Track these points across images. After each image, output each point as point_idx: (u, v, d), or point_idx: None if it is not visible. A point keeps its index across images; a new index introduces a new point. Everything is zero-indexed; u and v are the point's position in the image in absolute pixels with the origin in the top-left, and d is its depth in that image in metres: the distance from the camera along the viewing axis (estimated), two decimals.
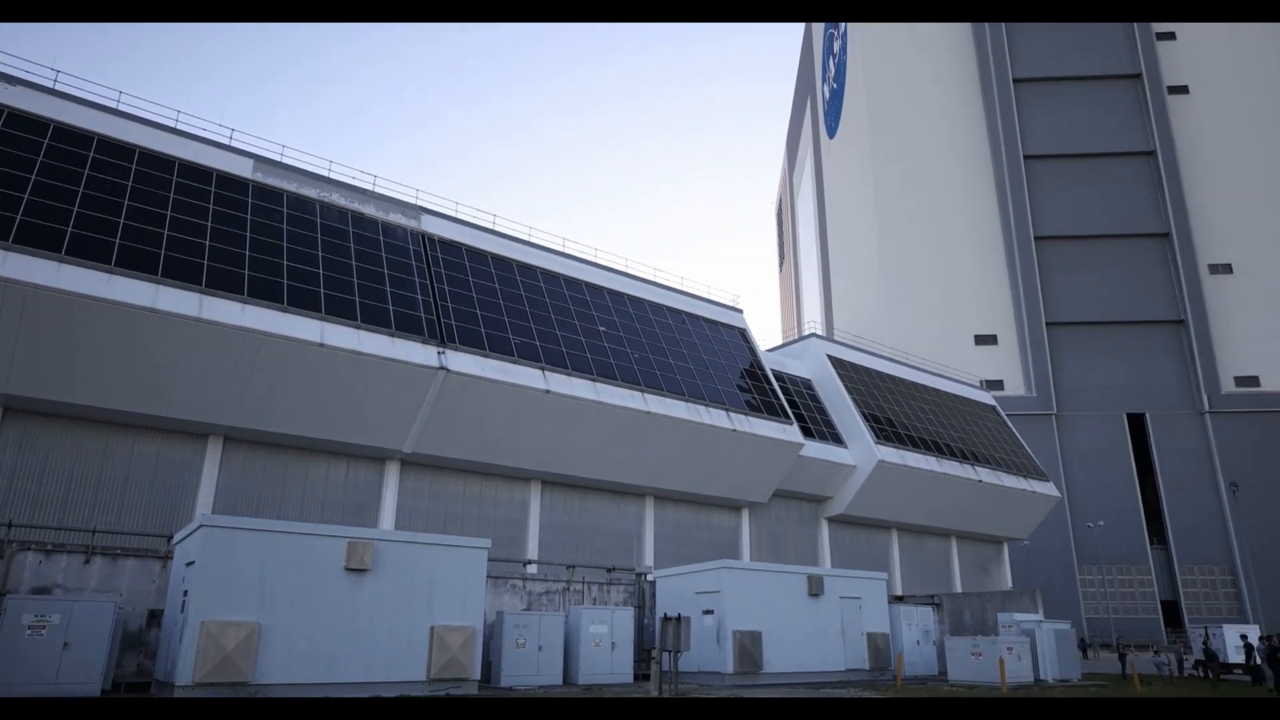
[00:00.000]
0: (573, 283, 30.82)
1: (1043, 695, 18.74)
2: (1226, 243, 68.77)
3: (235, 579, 14.30)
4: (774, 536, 35.11)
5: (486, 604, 18.76)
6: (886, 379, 41.33)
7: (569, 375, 26.90)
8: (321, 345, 21.90)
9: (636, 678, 20.63)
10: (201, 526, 14.53)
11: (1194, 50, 74.50)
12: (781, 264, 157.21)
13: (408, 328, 24.20)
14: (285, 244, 23.97)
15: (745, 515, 34.18)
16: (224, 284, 21.48)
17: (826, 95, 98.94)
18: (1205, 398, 63.90)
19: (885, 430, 37.45)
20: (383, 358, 22.88)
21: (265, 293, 22.12)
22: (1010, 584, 43.57)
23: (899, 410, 39.59)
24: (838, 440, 36.46)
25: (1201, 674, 29.54)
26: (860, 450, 36.11)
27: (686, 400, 29.68)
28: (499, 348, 25.89)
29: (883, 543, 39.00)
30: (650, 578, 24.42)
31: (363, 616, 15.29)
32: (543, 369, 26.33)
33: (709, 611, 20.92)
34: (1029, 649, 23.32)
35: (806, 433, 34.46)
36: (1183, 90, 73.18)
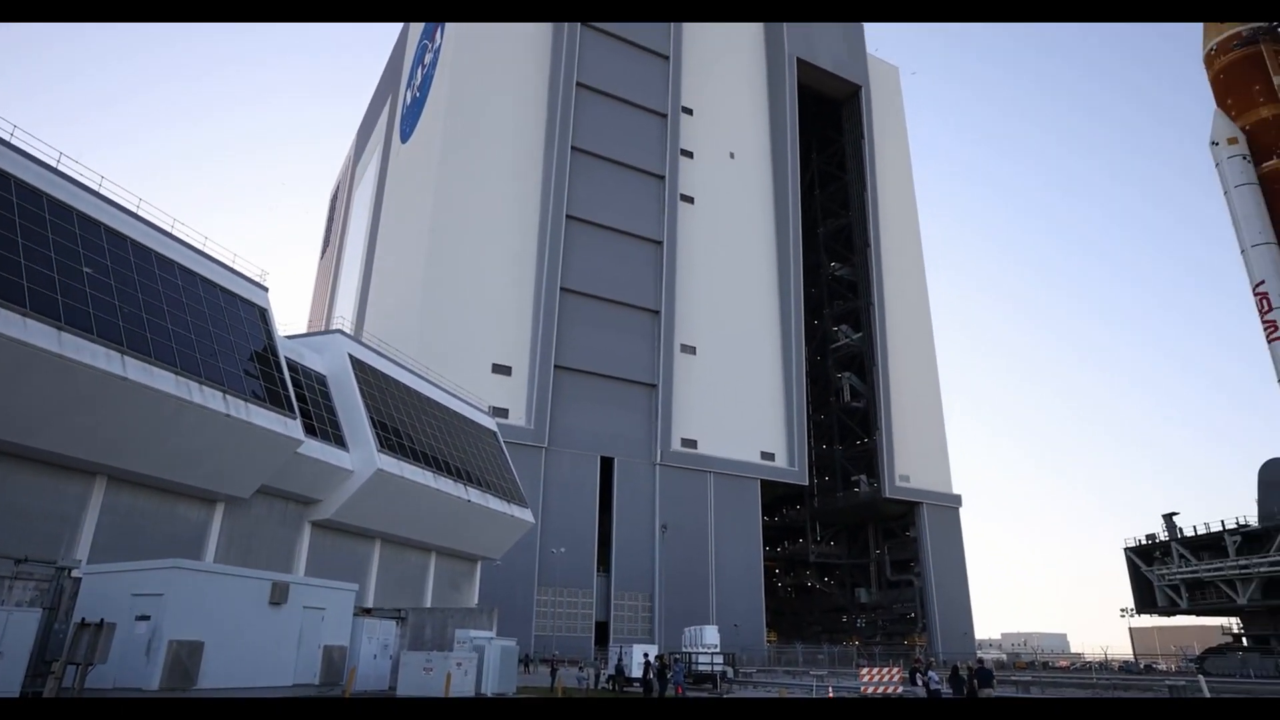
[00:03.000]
0: (60, 207, 25.04)
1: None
2: (696, 329, 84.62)
3: None
4: (248, 536, 32.32)
5: None
6: (404, 389, 41.49)
7: (24, 315, 21.62)
8: None
9: (24, 695, 16.97)
10: None
11: (703, 170, 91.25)
12: (324, 251, 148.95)
13: None
14: None
15: (219, 510, 30.93)
16: None
17: (408, 100, 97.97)
18: (659, 452, 76.94)
19: (390, 439, 37.40)
20: None
21: None
22: (476, 601, 46.48)
23: (409, 422, 39.96)
24: (340, 442, 35.30)
25: (611, 686, 35.09)
26: (361, 455, 35.44)
27: (178, 373, 25.98)
28: None
29: (364, 553, 38.56)
30: (77, 574, 20.51)
31: None
32: None
33: (145, 617, 18.29)
34: (476, 664, 25.04)
35: (310, 430, 32.73)
36: (690, 200, 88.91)
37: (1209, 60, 79.56)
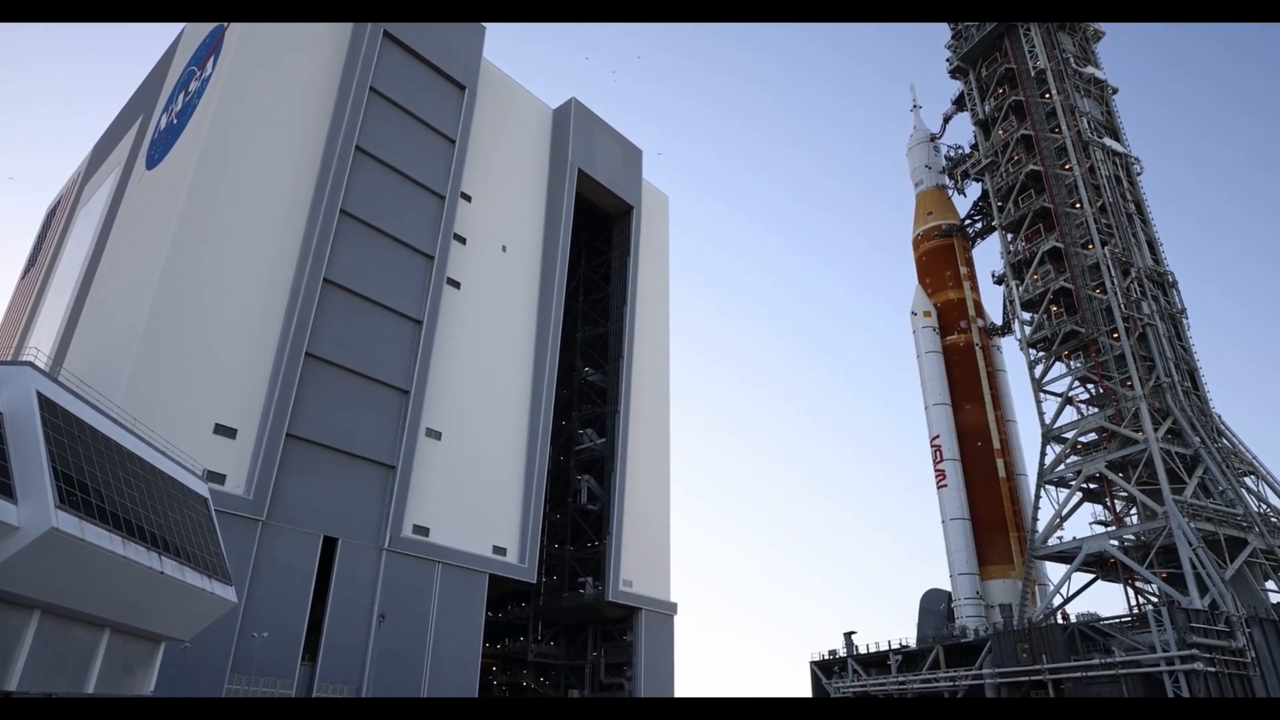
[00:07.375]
0: None
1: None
2: (445, 414, 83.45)
3: None
4: None
5: None
6: (103, 440, 36.84)
7: None
8: None
9: None
10: None
11: (474, 258, 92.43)
12: (28, 270, 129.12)
13: None
14: None
15: None
16: None
17: (162, 125, 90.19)
18: (388, 537, 73.53)
19: (75, 496, 32.82)
20: None
21: None
22: (153, 688, 40.84)
23: (103, 478, 35.40)
24: (7, 493, 30.48)
25: None
26: (34, 511, 30.69)
27: None
28: None
29: (16, 625, 32.78)
30: None
31: None
32: None
33: None
34: None
35: None
36: (456, 285, 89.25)
37: (916, 243, 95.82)
